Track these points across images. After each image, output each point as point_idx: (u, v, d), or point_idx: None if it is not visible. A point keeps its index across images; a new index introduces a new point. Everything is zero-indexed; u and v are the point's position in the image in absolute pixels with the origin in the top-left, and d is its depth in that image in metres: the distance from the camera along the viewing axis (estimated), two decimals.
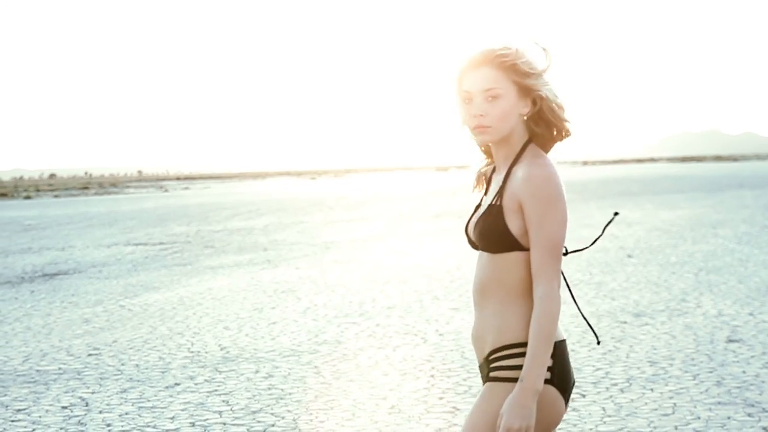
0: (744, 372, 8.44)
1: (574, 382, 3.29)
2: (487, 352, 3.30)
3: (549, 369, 3.18)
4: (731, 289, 13.25)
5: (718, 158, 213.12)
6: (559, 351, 3.23)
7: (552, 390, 3.21)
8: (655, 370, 8.63)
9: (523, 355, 3.20)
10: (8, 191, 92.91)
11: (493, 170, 3.47)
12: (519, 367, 3.19)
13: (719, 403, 7.47)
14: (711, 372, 8.47)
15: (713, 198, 38.75)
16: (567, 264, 16.71)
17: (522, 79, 3.28)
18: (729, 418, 7.07)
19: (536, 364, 3.10)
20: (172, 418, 7.57)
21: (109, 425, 7.42)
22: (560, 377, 3.21)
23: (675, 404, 7.47)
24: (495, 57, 3.29)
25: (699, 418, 7.08)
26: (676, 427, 6.86)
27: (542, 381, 3.12)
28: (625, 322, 10.92)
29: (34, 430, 7.39)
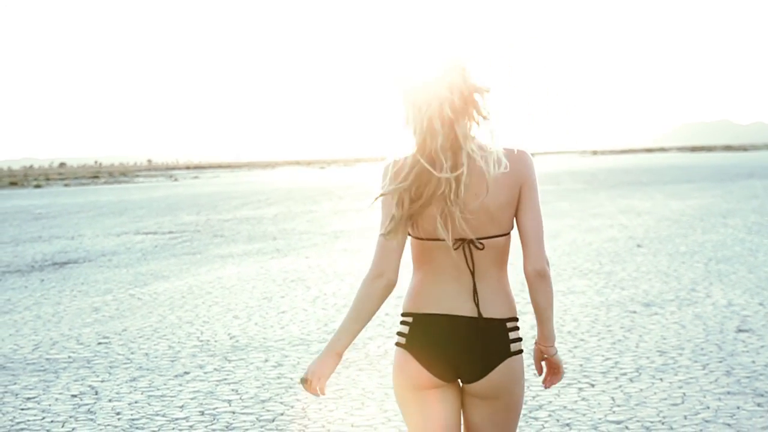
0: (754, 362, 8.42)
1: (451, 355, 3.49)
2: None
3: (404, 335, 3.54)
4: (741, 279, 13.23)
5: (728, 148, 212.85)
6: (417, 322, 3.52)
7: (402, 353, 3.55)
8: (664, 359, 8.61)
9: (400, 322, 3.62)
10: (18, 180, 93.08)
11: None
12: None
13: (728, 393, 7.46)
14: (720, 362, 8.46)
15: (723, 188, 38.67)
16: (577, 253, 16.70)
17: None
18: (738, 407, 7.06)
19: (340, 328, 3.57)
20: (182, 406, 7.58)
21: (118, 414, 7.43)
22: (413, 343, 3.51)
23: (684, 394, 7.46)
24: None
25: (708, 407, 7.07)
26: (685, 417, 6.85)
27: (337, 343, 3.53)
28: (635, 312, 10.91)
29: (44, 418, 7.40)
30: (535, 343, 3.68)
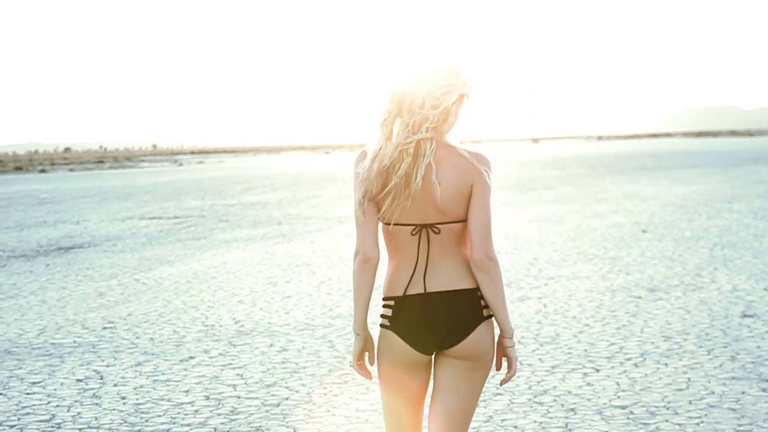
0: (758, 347, 8.42)
1: (434, 329, 3.85)
2: None
3: (387, 317, 3.94)
4: (746, 264, 13.22)
5: (734, 133, 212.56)
6: (399, 305, 3.91)
7: (388, 333, 3.94)
8: (669, 344, 8.61)
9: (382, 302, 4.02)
10: (24, 165, 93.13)
11: None
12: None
13: (733, 378, 7.46)
14: (725, 347, 8.46)
15: (728, 173, 38.62)
16: (582, 238, 16.70)
17: None
18: (743, 393, 7.06)
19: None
20: (187, 391, 7.59)
21: (123, 398, 7.45)
22: (397, 325, 3.91)
23: (689, 379, 7.46)
24: None
25: (713, 393, 7.07)
26: (690, 402, 6.86)
27: (354, 326, 4.02)
28: (640, 297, 10.90)
29: (49, 402, 7.42)
30: (499, 336, 3.99)
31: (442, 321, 3.86)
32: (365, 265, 3.91)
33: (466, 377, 3.93)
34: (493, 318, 3.91)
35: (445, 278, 3.87)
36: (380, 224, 3.93)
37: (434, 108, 3.75)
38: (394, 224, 3.85)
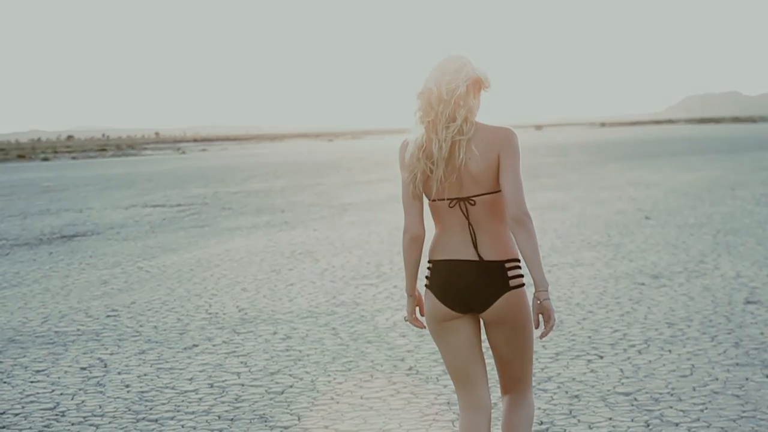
0: (762, 333, 8.42)
1: (460, 291, 4.28)
2: None
3: (427, 278, 4.39)
4: (749, 250, 13.20)
5: (737, 120, 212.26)
6: (435, 267, 4.34)
7: (428, 292, 4.39)
8: (673, 331, 8.61)
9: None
10: (26, 153, 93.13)
11: None
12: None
13: (737, 364, 7.46)
14: (729, 333, 8.45)
15: (732, 159, 38.61)
16: (585, 225, 16.70)
17: None
18: (747, 379, 7.05)
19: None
20: (191, 379, 7.60)
21: (127, 386, 7.45)
22: (433, 285, 4.35)
23: (693, 365, 7.46)
24: None
25: (717, 379, 7.07)
26: (693, 388, 6.85)
27: (406, 287, 4.49)
28: (643, 284, 10.90)
29: (53, 390, 7.42)
30: (533, 295, 4.30)
31: (468, 286, 4.28)
32: (413, 242, 4.36)
33: (503, 339, 4.37)
34: (522, 288, 4.29)
35: (478, 248, 4.27)
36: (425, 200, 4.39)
37: (457, 96, 4.22)
38: (438, 199, 4.29)
